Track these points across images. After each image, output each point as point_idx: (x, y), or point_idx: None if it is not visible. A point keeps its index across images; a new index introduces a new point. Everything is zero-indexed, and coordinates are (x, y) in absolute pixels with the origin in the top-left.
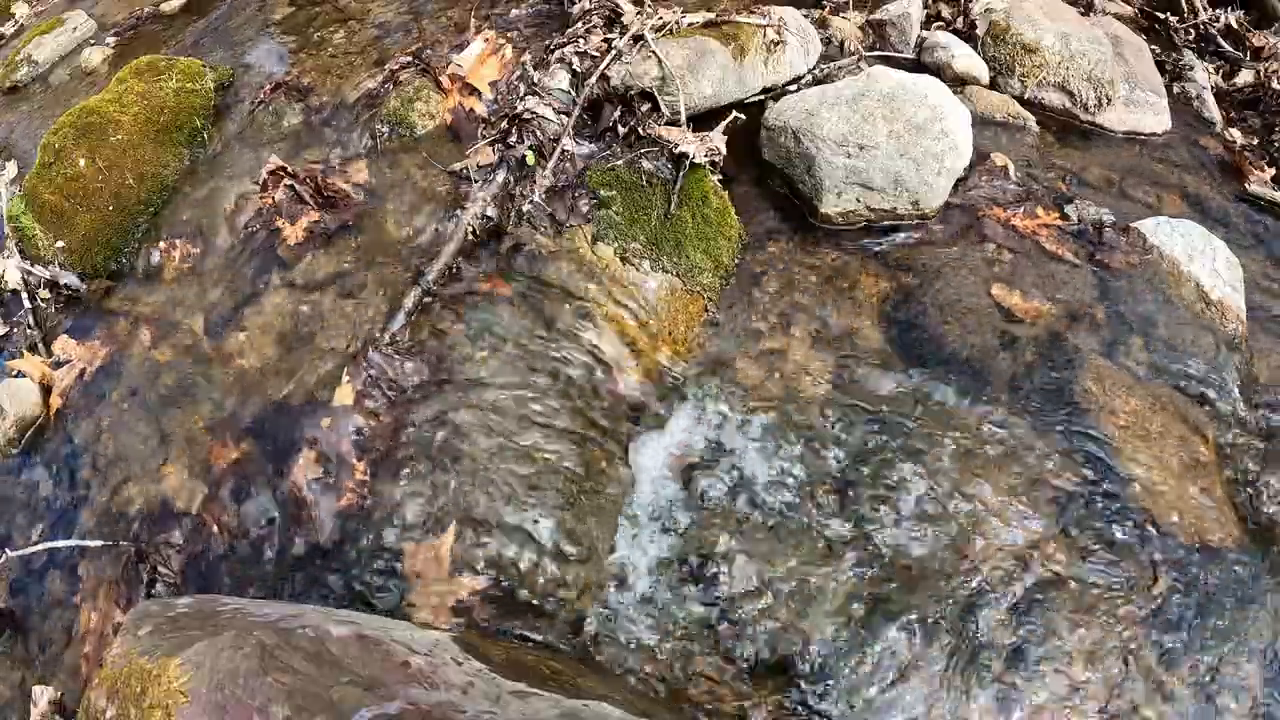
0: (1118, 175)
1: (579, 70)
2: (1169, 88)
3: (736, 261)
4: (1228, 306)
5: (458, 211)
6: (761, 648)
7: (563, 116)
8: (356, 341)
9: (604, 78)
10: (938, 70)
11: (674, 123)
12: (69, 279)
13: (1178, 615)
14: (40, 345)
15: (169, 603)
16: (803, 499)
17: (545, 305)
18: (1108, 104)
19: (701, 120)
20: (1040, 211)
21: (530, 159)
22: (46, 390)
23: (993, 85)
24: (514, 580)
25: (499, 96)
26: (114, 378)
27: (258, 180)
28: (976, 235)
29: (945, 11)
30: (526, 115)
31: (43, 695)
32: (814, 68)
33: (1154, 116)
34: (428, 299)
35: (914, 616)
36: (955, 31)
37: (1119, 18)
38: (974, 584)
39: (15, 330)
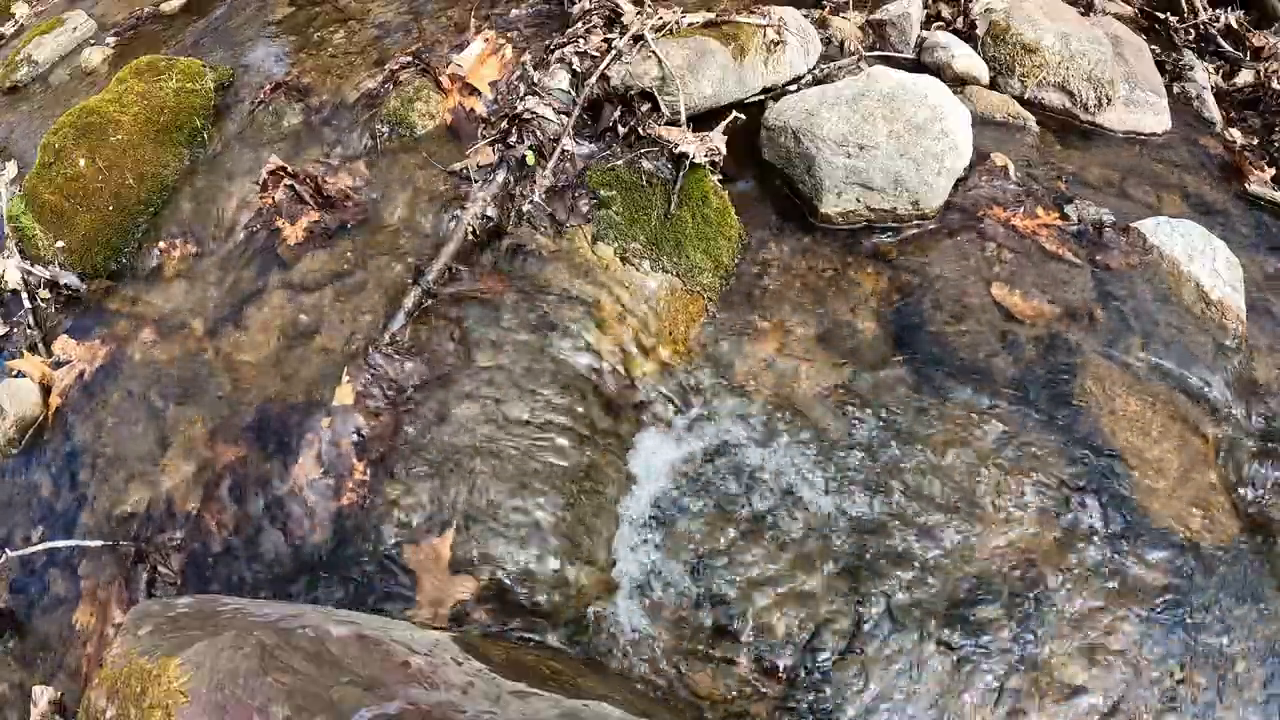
0: (1118, 175)
1: (579, 70)
2: (1169, 88)
3: (736, 261)
4: (1228, 306)
5: (458, 211)
6: (762, 647)
7: (563, 116)
8: (356, 341)
9: (604, 78)
10: (938, 70)
11: (674, 123)
12: (69, 279)
13: (1178, 615)
14: (40, 345)
15: (169, 603)
16: (802, 498)
17: (545, 305)
18: (1108, 104)
19: (701, 120)
20: (1040, 211)
21: (530, 159)
22: (46, 390)
23: (993, 85)
24: (514, 580)
25: (499, 96)
26: (114, 378)
27: (258, 180)
28: (976, 235)
29: (945, 11)
30: (526, 115)
31: (43, 695)
32: (814, 68)
33: (1154, 116)
34: (428, 299)
35: (914, 616)
36: (955, 31)
37: (1119, 18)
38: (974, 583)
39: (15, 330)
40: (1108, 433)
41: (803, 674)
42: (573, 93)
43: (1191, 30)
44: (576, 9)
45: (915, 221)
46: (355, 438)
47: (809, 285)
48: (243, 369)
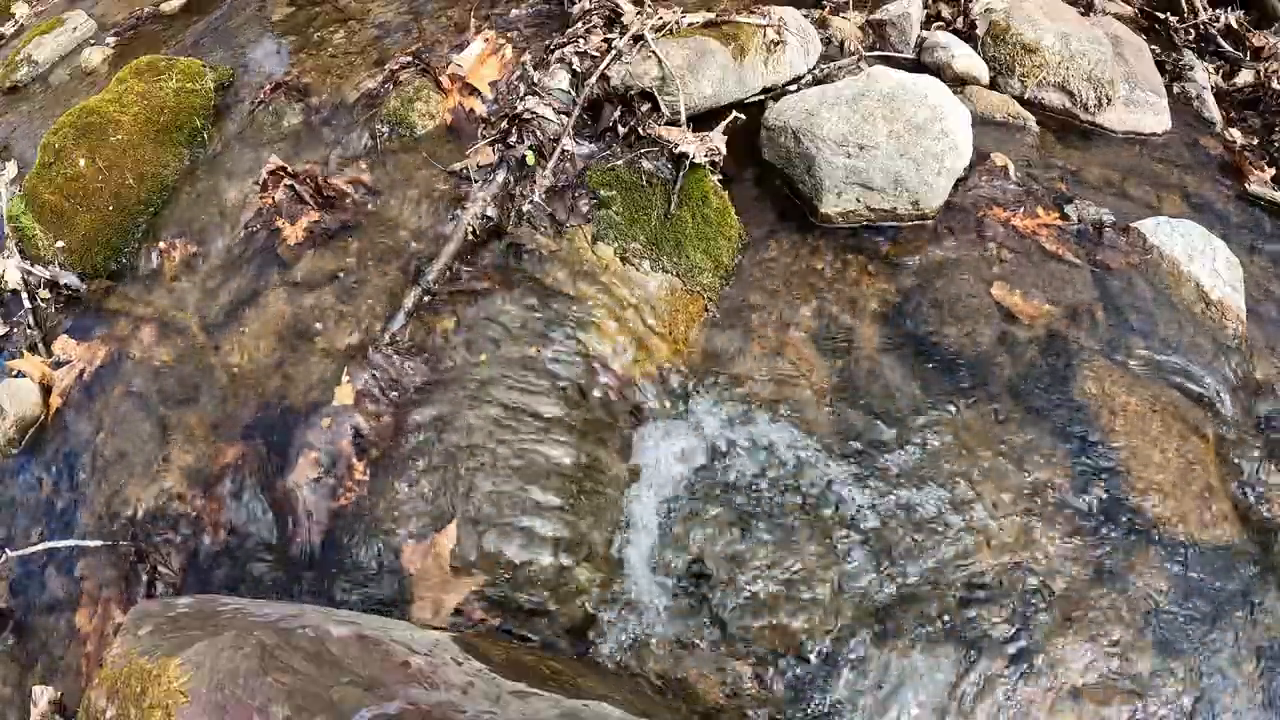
0: (1118, 175)
1: (579, 70)
2: (1169, 88)
3: (736, 261)
4: (1228, 306)
5: (458, 211)
6: (762, 646)
7: (563, 116)
8: (356, 341)
9: (604, 78)
10: (938, 70)
11: (674, 123)
12: (69, 279)
13: (1178, 614)
14: (40, 345)
15: (169, 603)
16: (802, 497)
17: (545, 305)
18: (1108, 104)
19: (701, 120)
20: (1040, 211)
21: (530, 159)
22: (46, 390)
23: (993, 85)
24: (514, 579)
25: (499, 96)
26: (114, 378)
27: (258, 180)
28: (976, 235)
29: (945, 11)
30: (526, 115)
31: (43, 695)
32: (814, 68)
33: (1154, 116)
34: (428, 299)
35: (914, 616)
36: (955, 31)
37: (1119, 18)
38: (974, 583)
39: (15, 330)
40: (1107, 433)
41: (804, 674)
42: (573, 93)
43: (1191, 30)
44: (576, 9)
45: (915, 221)
46: (355, 437)
47: (809, 285)
48: (242, 369)
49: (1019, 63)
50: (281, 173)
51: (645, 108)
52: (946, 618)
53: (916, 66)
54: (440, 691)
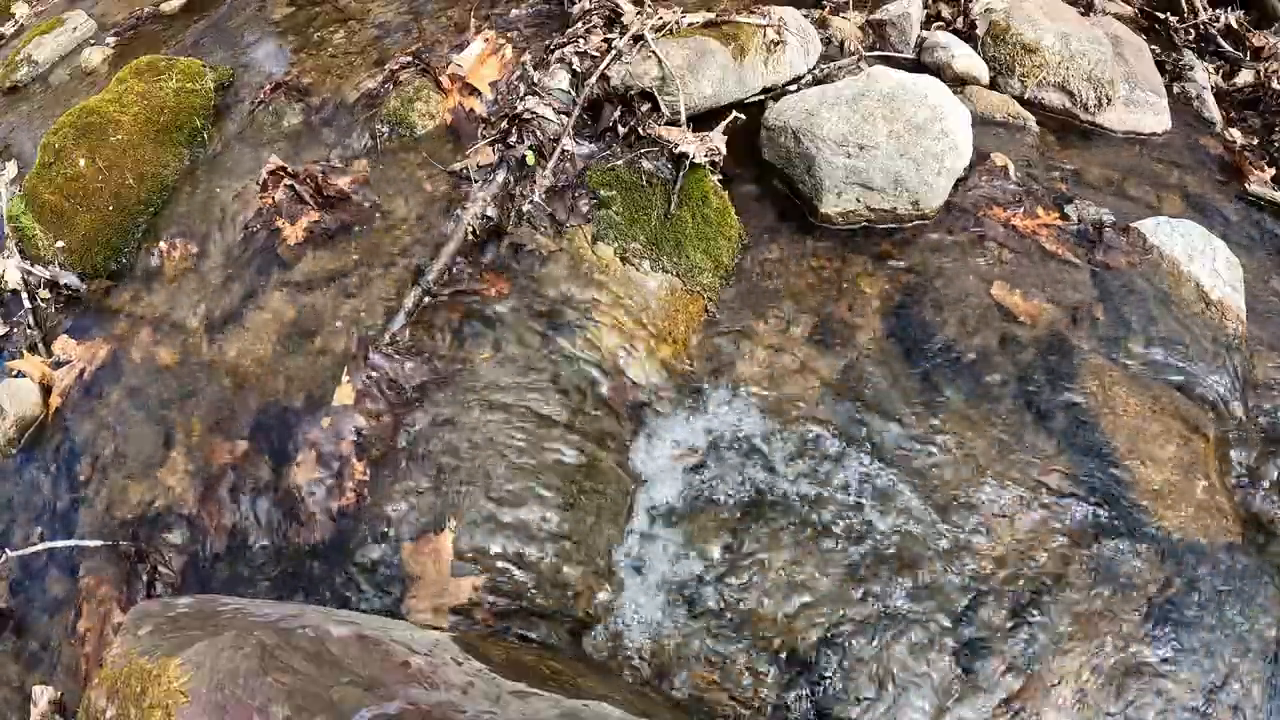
0: (1118, 175)
1: (579, 70)
2: (1169, 88)
3: (736, 261)
4: (1228, 306)
5: (458, 211)
6: (762, 645)
7: (563, 116)
8: (356, 341)
9: (604, 78)
10: (938, 70)
11: (674, 123)
12: (69, 279)
13: (1178, 614)
14: (40, 345)
15: (169, 603)
16: (802, 497)
17: (545, 305)
18: (1108, 104)
19: (701, 120)
20: (1040, 211)
21: (530, 159)
22: (46, 390)
23: (993, 85)
24: (514, 580)
25: (499, 96)
26: (114, 378)
27: (258, 180)
28: (977, 235)
29: (945, 11)
30: (526, 115)
31: (43, 695)
32: (814, 68)
33: (1154, 116)
34: (428, 299)
35: (914, 616)
36: (955, 31)
37: (1119, 18)
38: (974, 583)
39: (15, 330)
40: (1107, 433)
41: (804, 674)
42: (573, 93)
43: (1191, 30)
44: (576, 9)
45: (915, 221)
46: (355, 437)
47: (809, 285)
48: (243, 369)
49: (1019, 63)
50: (281, 173)
51: (645, 108)
52: (945, 617)
53: (916, 66)
54: (440, 691)
